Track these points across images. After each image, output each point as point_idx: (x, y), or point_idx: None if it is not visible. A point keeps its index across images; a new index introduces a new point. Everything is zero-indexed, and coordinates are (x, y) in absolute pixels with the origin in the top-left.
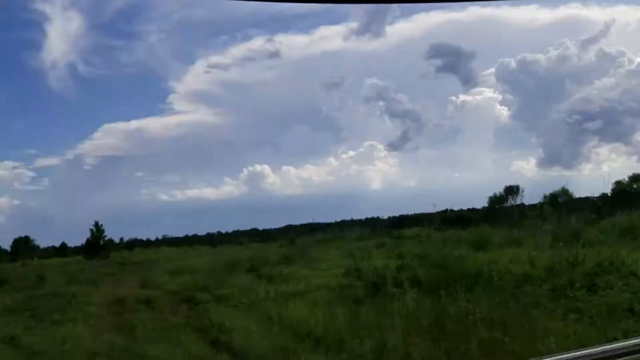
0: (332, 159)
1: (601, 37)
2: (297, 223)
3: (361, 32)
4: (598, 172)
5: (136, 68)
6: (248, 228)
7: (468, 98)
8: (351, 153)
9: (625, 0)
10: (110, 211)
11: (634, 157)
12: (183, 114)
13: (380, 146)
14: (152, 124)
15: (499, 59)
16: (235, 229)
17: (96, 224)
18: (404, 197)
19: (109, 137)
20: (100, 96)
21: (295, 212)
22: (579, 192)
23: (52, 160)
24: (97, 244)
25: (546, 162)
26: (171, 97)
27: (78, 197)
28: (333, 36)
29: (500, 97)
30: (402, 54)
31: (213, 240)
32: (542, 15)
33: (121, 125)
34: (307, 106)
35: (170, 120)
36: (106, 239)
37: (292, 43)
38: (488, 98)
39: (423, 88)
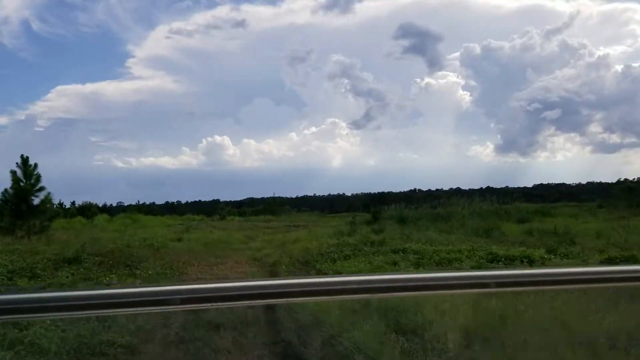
0: (293, 134)
1: (564, 29)
2: (259, 196)
3: (330, 6)
4: (552, 160)
5: (94, 29)
6: (210, 199)
7: (432, 81)
8: (313, 129)
9: None
10: (63, 175)
11: (588, 148)
12: (142, 80)
13: (343, 124)
14: (109, 88)
15: (464, 44)
16: (197, 199)
17: (23, 159)
18: (363, 176)
19: (62, 98)
20: (54, 56)
21: (255, 185)
22: (531, 179)
23: (2, 119)
24: (25, 201)
25: (503, 148)
26: (130, 62)
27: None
28: (301, 9)
29: (463, 82)
30: (370, 31)
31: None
32: (509, 2)
33: (76, 88)
34: (270, 79)
35: (128, 85)
36: (49, 198)
37: (259, 13)
38: (451, 82)
39: (388, 68)
